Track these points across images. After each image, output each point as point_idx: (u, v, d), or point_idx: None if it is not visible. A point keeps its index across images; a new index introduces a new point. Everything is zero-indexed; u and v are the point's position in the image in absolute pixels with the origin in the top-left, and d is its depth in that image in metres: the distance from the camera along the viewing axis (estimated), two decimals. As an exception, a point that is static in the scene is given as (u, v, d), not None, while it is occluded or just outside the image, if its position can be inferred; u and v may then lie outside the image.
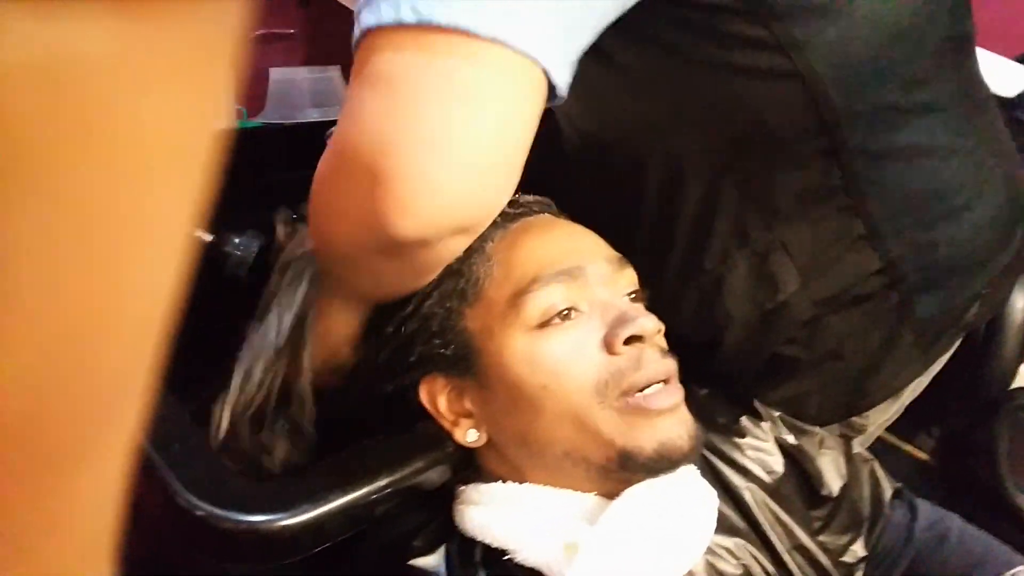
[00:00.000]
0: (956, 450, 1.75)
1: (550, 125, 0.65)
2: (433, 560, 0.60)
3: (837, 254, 0.70)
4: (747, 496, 0.67)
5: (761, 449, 0.70)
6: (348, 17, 0.53)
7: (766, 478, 0.69)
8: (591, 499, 0.61)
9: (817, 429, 0.74)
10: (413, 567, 0.60)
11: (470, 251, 0.63)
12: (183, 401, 0.58)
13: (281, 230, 0.72)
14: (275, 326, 0.66)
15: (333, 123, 0.57)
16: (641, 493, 0.59)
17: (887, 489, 0.76)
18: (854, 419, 0.80)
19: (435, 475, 0.63)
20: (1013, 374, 1.56)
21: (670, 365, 0.62)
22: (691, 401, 0.62)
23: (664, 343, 0.65)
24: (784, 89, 0.63)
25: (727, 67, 0.62)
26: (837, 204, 0.68)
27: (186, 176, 0.17)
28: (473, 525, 0.61)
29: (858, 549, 0.72)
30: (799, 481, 0.71)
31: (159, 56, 0.15)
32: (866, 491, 0.74)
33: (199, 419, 0.65)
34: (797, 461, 0.71)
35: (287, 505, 0.54)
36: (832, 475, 0.72)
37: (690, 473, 0.64)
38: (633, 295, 0.66)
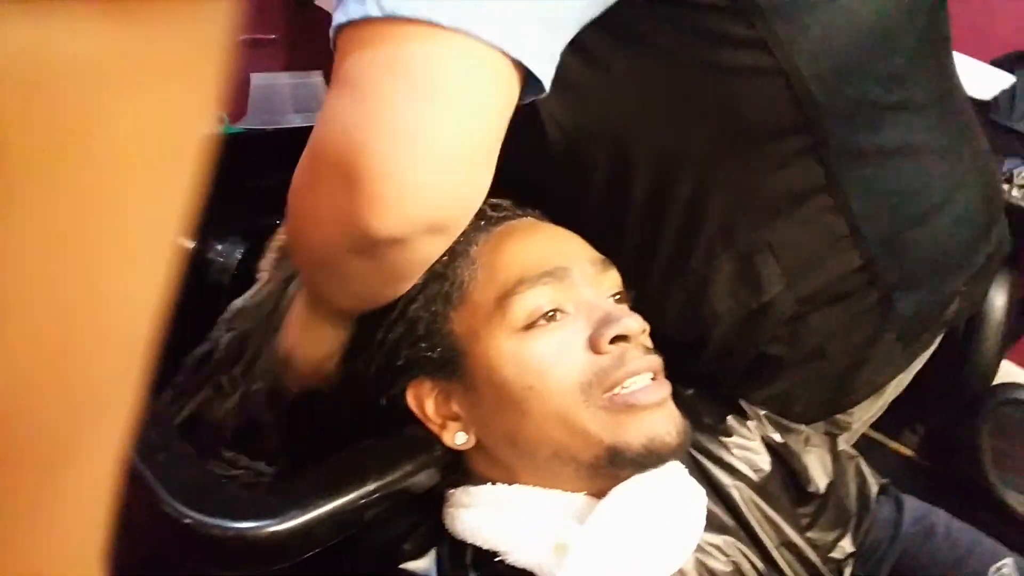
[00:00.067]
0: (940, 446, 1.77)
1: (535, 127, 0.65)
2: (424, 564, 0.60)
3: (821, 254, 0.71)
4: (735, 494, 0.67)
5: (748, 448, 0.70)
6: (330, 23, 0.53)
7: (753, 476, 0.69)
8: (580, 499, 0.61)
9: (802, 427, 0.75)
10: (404, 571, 0.60)
11: (454, 255, 0.63)
12: (167, 407, 0.58)
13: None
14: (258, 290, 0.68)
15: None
16: (630, 491, 0.59)
17: (873, 485, 0.76)
18: (839, 416, 0.81)
19: (424, 479, 0.63)
20: (994, 370, 1.57)
21: (654, 361, 0.62)
22: (677, 401, 0.63)
23: (649, 342, 0.65)
24: (767, 86, 0.63)
25: (711, 65, 0.63)
26: (820, 204, 0.69)
27: (172, 181, 0.17)
28: (463, 527, 0.61)
29: (846, 545, 0.72)
30: (786, 479, 0.71)
31: (146, 60, 0.15)
32: (852, 488, 0.75)
33: (184, 429, 0.65)
34: (783, 459, 0.72)
35: (275, 511, 0.54)
36: (818, 472, 0.72)
37: (679, 471, 0.64)
38: (617, 296, 0.66)
